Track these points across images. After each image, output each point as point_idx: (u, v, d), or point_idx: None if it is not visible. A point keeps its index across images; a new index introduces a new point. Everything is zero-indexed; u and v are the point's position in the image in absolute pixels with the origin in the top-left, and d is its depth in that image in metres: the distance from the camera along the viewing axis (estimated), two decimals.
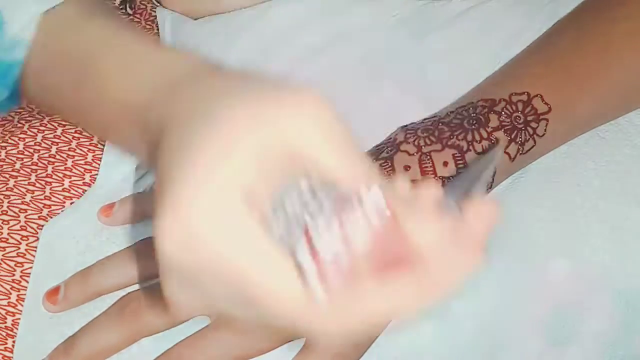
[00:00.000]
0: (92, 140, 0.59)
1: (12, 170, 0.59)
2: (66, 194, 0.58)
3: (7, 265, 0.56)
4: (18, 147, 0.59)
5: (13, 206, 0.57)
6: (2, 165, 0.59)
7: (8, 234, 0.57)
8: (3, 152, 0.60)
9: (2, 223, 0.57)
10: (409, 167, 0.53)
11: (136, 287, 0.54)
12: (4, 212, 0.57)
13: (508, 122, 0.54)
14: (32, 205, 0.57)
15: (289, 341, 0.52)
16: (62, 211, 0.57)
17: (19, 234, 0.57)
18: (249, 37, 0.61)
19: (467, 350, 0.55)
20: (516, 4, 0.63)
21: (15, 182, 0.58)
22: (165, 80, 0.39)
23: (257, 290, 0.31)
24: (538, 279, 0.56)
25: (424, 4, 0.63)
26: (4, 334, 0.55)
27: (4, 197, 0.58)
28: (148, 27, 0.63)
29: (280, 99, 0.34)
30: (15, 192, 0.58)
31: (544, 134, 0.55)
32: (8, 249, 0.56)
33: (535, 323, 0.55)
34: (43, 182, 0.58)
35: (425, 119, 0.57)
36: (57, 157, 0.59)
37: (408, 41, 0.61)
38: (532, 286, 0.55)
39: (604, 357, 0.56)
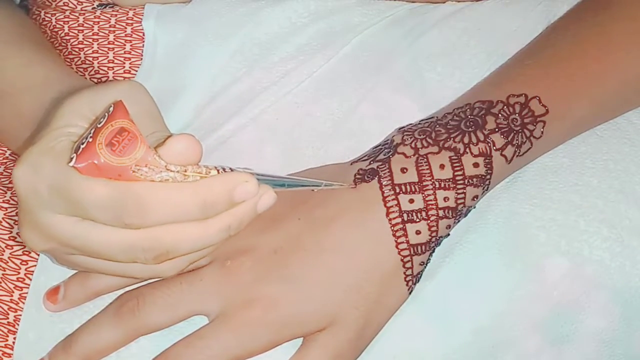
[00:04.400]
0: None
1: None
2: None
3: (14, 263, 0.57)
4: None
5: None
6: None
7: (17, 233, 0.58)
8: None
9: (13, 223, 0.58)
10: (406, 169, 0.53)
11: (135, 286, 0.54)
12: (17, 213, 0.58)
13: (505, 124, 0.54)
14: None
15: (288, 341, 0.53)
16: None
17: None
18: (241, 37, 0.61)
19: (467, 349, 0.55)
20: (510, 3, 0.63)
21: None
22: (54, 96, 0.54)
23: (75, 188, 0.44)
24: (537, 278, 0.55)
25: (419, 5, 0.63)
26: (6, 330, 0.56)
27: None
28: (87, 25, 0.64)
29: (106, 83, 0.50)
30: None
31: (540, 136, 0.55)
32: (16, 247, 0.57)
33: (534, 322, 0.55)
34: None
35: (422, 120, 0.57)
36: None
37: (402, 41, 0.61)
38: (530, 285, 0.55)
39: (602, 356, 0.56)
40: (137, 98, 0.49)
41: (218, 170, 0.46)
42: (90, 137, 0.43)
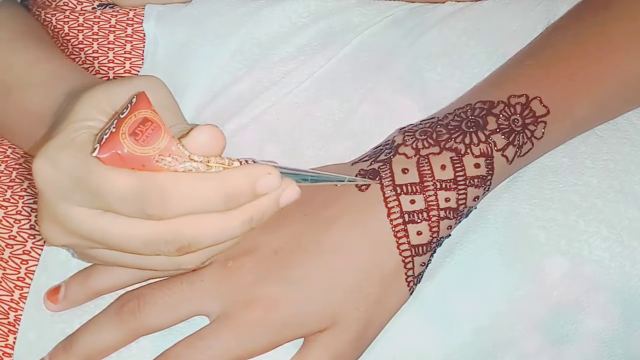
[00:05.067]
0: None
1: (28, 174, 0.61)
2: None
3: (14, 262, 0.57)
4: None
5: (26, 205, 0.58)
6: (22, 164, 0.61)
7: (17, 232, 0.58)
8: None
9: (13, 222, 0.58)
10: (407, 169, 0.53)
11: (136, 286, 0.54)
12: (18, 212, 0.58)
13: (506, 124, 0.54)
14: None
15: (289, 341, 0.53)
16: None
17: (26, 233, 0.58)
18: (241, 36, 0.61)
19: (467, 349, 0.55)
20: (510, 3, 0.63)
21: (29, 183, 0.60)
22: (65, 92, 0.54)
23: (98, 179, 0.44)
24: (537, 278, 0.56)
25: (419, 5, 0.63)
26: (6, 330, 0.56)
27: (18, 198, 0.59)
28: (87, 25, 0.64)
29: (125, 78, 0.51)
30: (28, 193, 0.59)
31: (541, 137, 0.55)
32: (16, 247, 0.57)
33: (534, 322, 0.56)
34: None
35: (423, 121, 0.57)
36: None
37: (402, 41, 0.61)
38: (530, 285, 0.55)
39: (602, 356, 0.56)
40: (156, 92, 0.48)
41: (241, 162, 0.46)
42: (114, 127, 0.43)
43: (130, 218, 0.45)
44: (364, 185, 0.54)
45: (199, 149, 0.44)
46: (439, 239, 0.54)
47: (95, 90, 0.48)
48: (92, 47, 0.63)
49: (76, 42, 0.63)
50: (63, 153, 0.45)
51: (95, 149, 0.43)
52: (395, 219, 0.53)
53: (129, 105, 0.44)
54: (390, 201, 0.53)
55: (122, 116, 0.44)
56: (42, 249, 0.57)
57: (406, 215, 0.53)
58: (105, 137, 0.43)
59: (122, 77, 0.62)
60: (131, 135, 0.43)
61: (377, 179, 0.54)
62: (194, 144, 0.44)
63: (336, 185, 0.53)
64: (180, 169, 0.44)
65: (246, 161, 0.46)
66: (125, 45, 0.62)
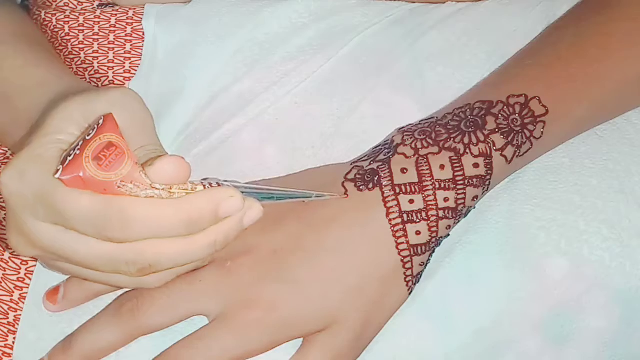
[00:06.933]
0: None
1: None
2: None
3: (14, 263, 0.57)
4: None
5: None
6: None
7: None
8: None
9: (6, 227, 0.58)
10: (406, 169, 0.53)
11: None
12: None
13: (505, 124, 0.54)
14: None
15: (287, 341, 0.53)
16: None
17: None
18: (241, 37, 0.61)
19: (467, 349, 0.55)
20: (510, 4, 0.63)
21: None
22: (50, 98, 0.54)
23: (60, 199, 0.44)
24: (537, 278, 0.56)
25: (420, 6, 0.63)
26: (6, 330, 0.56)
27: None
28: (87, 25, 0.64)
29: (100, 89, 0.50)
30: None
31: (541, 137, 0.55)
32: None
33: (534, 322, 0.56)
34: None
35: (422, 121, 0.57)
36: None
37: (402, 41, 0.61)
38: (530, 285, 0.56)
39: (603, 356, 0.56)
40: (130, 107, 0.49)
41: (204, 186, 0.46)
42: (78, 149, 0.44)
43: (92, 237, 0.45)
44: (362, 185, 0.54)
45: (164, 179, 0.44)
46: (437, 238, 0.53)
47: (68, 102, 0.49)
48: (93, 47, 0.63)
49: (76, 43, 0.63)
50: (29, 167, 0.46)
51: (59, 170, 0.44)
52: (394, 218, 0.53)
53: (96, 126, 0.44)
54: (389, 201, 0.53)
55: (87, 137, 0.44)
56: None
57: (405, 215, 0.53)
58: (69, 158, 0.44)
59: (121, 77, 0.62)
60: (94, 160, 0.43)
61: (375, 178, 0.54)
62: (159, 173, 0.44)
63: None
64: (142, 195, 0.44)
65: (210, 184, 0.47)
66: (125, 44, 0.62)
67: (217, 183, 0.47)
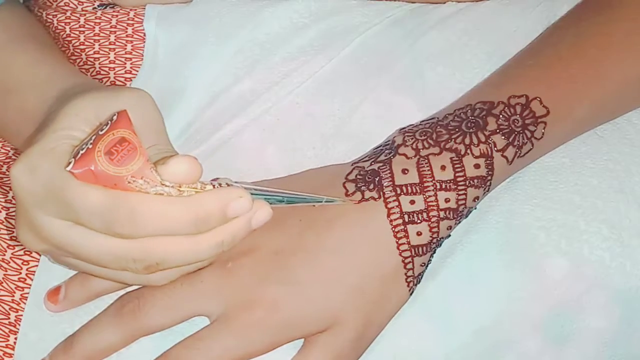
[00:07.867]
0: None
1: None
2: None
3: (15, 263, 0.57)
4: None
5: None
6: None
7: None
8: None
9: (15, 222, 0.58)
10: (407, 170, 0.53)
11: (136, 287, 0.54)
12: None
13: (506, 125, 0.54)
14: None
15: (289, 342, 0.53)
16: None
17: None
18: (242, 37, 0.61)
19: (467, 349, 0.55)
20: (510, 4, 0.63)
21: None
22: (57, 94, 0.54)
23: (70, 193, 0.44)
24: (537, 278, 0.56)
25: (420, 6, 0.63)
26: (7, 330, 0.56)
27: None
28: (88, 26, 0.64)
29: (114, 89, 0.50)
30: None
31: (542, 137, 0.55)
32: (17, 248, 0.57)
33: (535, 322, 0.56)
34: None
35: (423, 121, 0.57)
36: None
37: (403, 42, 0.61)
38: (531, 285, 0.56)
39: (603, 356, 0.56)
40: (143, 109, 0.49)
41: (214, 186, 0.46)
42: (91, 143, 0.44)
43: (101, 233, 0.45)
44: (363, 185, 0.54)
45: (176, 178, 0.45)
46: (438, 239, 0.54)
47: (81, 99, 0.49)
48: (94, 48, 0.63)
49: (77, 44, 0.63)
50: (41, 162, 0.46)
51: (70, 163, 0.44)
52: (395, 219, 0.53)
53: (110, 122, 0.44)
54: (390, 202, 0.53)
55: (101, 132, 0.44)
56: None
57: (406, 216, 0.53)
58: (81, 152, 0.44)
59: (122, 78, 0.62)
60: (106, 154, 0.43)
61: (376, 179, 0.54)
62: (172, 172, 0.44)
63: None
64: (152, 192, 0.44)
65: (220, 184, 0.47)
66: (126, 45, 0.62)
67: (227, 184, 0.47)
